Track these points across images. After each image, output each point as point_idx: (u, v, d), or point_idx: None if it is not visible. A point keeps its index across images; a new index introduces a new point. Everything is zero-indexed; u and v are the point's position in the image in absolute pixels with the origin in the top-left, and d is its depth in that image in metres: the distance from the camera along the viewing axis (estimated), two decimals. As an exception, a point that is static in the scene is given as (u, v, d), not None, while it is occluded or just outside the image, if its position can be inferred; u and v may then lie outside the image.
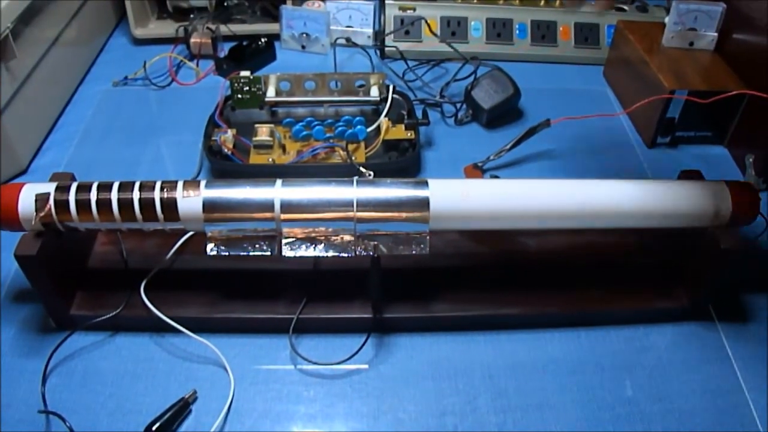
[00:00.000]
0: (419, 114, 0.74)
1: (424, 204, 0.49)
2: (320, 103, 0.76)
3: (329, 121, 0.72)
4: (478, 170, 0.72)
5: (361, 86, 0.76)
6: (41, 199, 0.48)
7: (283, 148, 0.71)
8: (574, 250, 0.62)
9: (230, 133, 0.70)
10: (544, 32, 0.91)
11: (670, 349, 0.56)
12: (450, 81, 0.83)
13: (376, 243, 0.50)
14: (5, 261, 0.60)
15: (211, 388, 0.51)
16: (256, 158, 0.70)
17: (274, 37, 0.93)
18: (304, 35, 0.92)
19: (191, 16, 0.94)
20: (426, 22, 0.88)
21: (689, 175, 0.58)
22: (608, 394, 0.52)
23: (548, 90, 0.86)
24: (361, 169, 0.60)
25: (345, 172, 0.60)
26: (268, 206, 0.49)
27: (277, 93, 0.75)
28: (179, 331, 0.53)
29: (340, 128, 0.71)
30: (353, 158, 0.68)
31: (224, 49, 0.90)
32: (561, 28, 0.91)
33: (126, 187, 0.49)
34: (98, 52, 0.93)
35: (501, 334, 0.56)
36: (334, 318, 0.55)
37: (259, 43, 0.89)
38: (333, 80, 0.75)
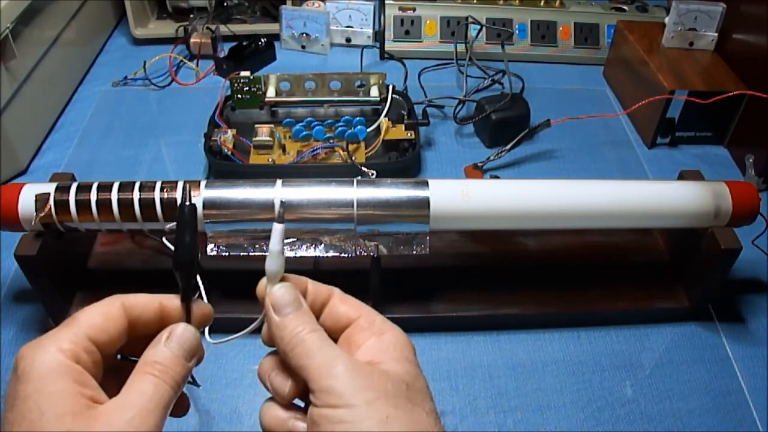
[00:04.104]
0: (419, 114, 0.74)
1: (424, 204, 0.49)
2: (320, 103, 0.76)
3: (329, 121, 0.72)
4: (478, 170, 0.72)
5: (360, 86, 0.76)
6: (41, 200, 0.48)
7: (283, 148, 0.70)
8: (574, 250, 0.62)
9: (230, 133, 0.70)
10: (544, 32, 0.91)
11: (670, 349, 0.56)
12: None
13: (376, 243, 0.50)
14: (5, 261, 0.60)
15: (212, 388, 0.51)
16: (256, 158, 0.70)
17: (274, 37, 0.93)
18: (304, 35, 0.92)
19: (191, 16, 0.94)
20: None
21: (689, 175, 0.58)
22: (608, 394, 0.52)
23: (548, 90, 0.86)
24: (363, 168, 0.60)
25: (345, 173, 0.60)
26: (268, 206, 0.49)
27: (277, 93, 0.75)
28: (179, 332, 0.53)
29: (340, 128, 0.71)
30: (353, 158, 0.68)
31: (224, 49, 0.89)
32: (561, 28, 0.91)
33: (126, 187, 0.49)
34: (98, 53, 0.93)
35: (501, 334, 0.56)
36: (334, 318, 0.55)
37: (259, 43, 0.89)
38: (333, 80, 0.75)
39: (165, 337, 0.31)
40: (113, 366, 0.32)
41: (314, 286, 0.34)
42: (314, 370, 0.29)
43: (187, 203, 0.33)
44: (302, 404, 0.32)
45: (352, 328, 0.33)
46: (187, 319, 0.33)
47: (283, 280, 0.33)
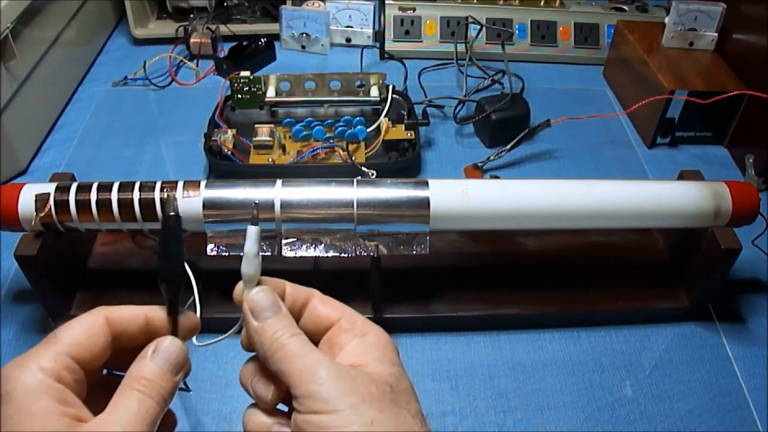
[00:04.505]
0: (419, 114, 0.74)
1: (424, 204, 0.49)
2: (320, 103, 0.76)
3: (329, 121, 0.72)
4: (478, 170, 0.72)
5: (360, 86, 0.76)
6: (41, 200, 0.48)
7: (283, 148, 0.70)
8: (574, 250, 0.62)
9: (230, 133, 0.70)
10: (544, 32, 0.91)
11: (670, 349, 0.56)
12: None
13: (376, 243, 0.50)
14: (5, 261, 0.60)
15: (211, 388, 0.51)
16: (256, 158, 0.70)
17: (274, 37, 0.93)
18: (304, 35, 0.92)
19: (191, 16, 0.94)
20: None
21: (689, 175, 0.58)
22: (608, 394, 0.52)
23: (548, 90, 0.86)
24: (363, 168, 0.59)
25: (345, 173, 0.60)
26: (268, 206, 0.49)
27: (277, 93, 0.75)
28: (179, 331, 0.53)
29: (340, 128, 0.71)
30: (353, 158, 0.68)
31: (224, 49, 0.90)
32: (561, 28, 0.91)
33: (126, 187, 0.49)
34: (98, 53, 0.93)
35: (501, 334, 0.56)
36: (334, 318, 0.55)
37: (259, 43, 0.89)
38: (333, 80, 0.75)
39: (151, 351, 0.30)
40: (100, 381, 0.31)
41: (293, 288, 0.33)
42: (296, 375, 0.29)
43: (171, 213, 0.32)
44: (286, 409, 0.32)
45: (334, 330, 0.32)
46: (174, 331, 0.32)
47: (260, 283, 0.32)
